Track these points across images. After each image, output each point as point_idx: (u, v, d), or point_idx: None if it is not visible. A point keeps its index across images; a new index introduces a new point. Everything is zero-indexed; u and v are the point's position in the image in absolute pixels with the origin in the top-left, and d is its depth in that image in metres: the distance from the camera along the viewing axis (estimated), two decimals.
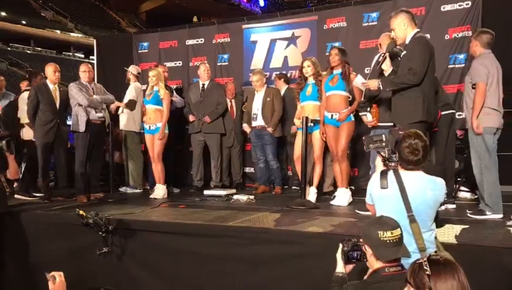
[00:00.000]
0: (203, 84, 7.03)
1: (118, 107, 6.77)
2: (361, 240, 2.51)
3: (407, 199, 2.80)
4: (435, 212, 2.92)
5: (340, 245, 2.59)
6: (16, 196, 6.49)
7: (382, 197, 2.92)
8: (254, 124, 6.72)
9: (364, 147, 3.27)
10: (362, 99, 5.13)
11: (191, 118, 7.01)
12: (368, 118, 4.94)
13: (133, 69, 7.25)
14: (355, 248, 2.53)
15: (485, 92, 4.31)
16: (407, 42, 4.25)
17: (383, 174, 2.93)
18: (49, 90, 6.17)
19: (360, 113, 5.17)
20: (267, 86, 6.87)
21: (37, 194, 6.42)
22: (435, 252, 2.85)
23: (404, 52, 4.24)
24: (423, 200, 2.83)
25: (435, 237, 2.95)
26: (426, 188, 2.85)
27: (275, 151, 6.76)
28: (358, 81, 4.58)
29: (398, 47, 4.37)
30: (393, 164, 2.98)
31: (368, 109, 4.94)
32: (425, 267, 1.77)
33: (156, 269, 4.56)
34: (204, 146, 7.07)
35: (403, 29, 4.23)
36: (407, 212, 2.80)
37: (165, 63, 8.38)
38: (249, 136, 6.92)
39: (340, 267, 2.62)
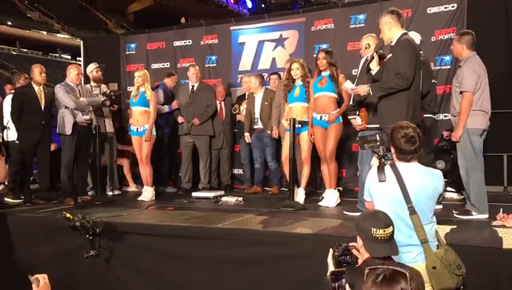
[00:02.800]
0: (193, 86, 7.00)
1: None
2: (350, 244, 2.56)
3: (406, 191, 2.85)
4: (435, 203, 2.97)
5: (331, 250, 2.60)
6: (5, 199, 6.42)
7: (381, 191, 2.95)
8: (255, 126, 6.76)
9: (359, 147, 3.30)
10: (351, 102, 5.15)
11: (180, 119, 6.98)
12: (357, 121, 4.95)
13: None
14: (345, 253, 2.55)
15: (471, 102, 4.34)
16: (393, 44, 4.27)
17: (380, 168, 2.97)
18: (34, 92, 6.08)
19: (349, 117, 5.18)
20: (265, 87, 6.89)
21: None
22: (437, 246, 2.91)
23: (390, 55, 4.26)
24: (422, 191, 2.87)
25: (436, 231, 2.99)
26: (424, 179, 2.89)
27: (274, 152, 6.78)
28: (347, 86, 4.59)
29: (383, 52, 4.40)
30: (389, 162, 3.01)
31: (357, 112, 4.96)
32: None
33: (144, 272, 4.54)
34: (193, 148, 7.04)
35: (387, 30, 4.24)
36: (406, 204, 2.84)
37: (152, 65, 8.37)
38: (250, 137, 6.90)
39: None
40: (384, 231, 2.44)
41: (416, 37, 5.11)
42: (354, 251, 2.58)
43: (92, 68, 6.98)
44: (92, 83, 6.92)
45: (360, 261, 2.55)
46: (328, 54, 5.38)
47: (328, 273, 2.55)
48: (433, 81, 5.12)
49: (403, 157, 2.92)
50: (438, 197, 2.97)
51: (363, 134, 4.77)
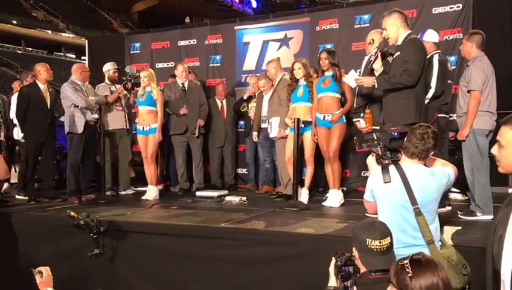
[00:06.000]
0: (183, 84, 6.92)
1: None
2: (353, 254, 2.47)
3: (412, 192, 2.83)
4: (438, 203, 2.96)
5: (333, 259, 2.52)
6: (16, 196, 6.46)
7: (385, 192, 2.93)
8: (263, 126, 6.68)
9: (357, 147, 3.30)
10: (354, 105, 5.13)
11: (182, 111, 6.75)
12: (361, 124, 4.90)
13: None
14: (348, 263, 2.46)
15: (479, 101, 4.33)
16: (398, 43, 4.26)
17: (385, 168, 2.95)
18: (40, 91, 6.10)
19: (353, 120, 5.17)
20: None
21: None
22: (440, 246, 2.90)
23: (398, 53, 4.25)
24: (427, 192, 2.86)
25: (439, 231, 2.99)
26: (428, 179, 2.89)
27: None
28: (351, 76, 4.53)
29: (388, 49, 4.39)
30: (387, 161, 3.00)
31: (361, 115, 4.92)
32: (407, 269, 1.78)
33: (147, 271, 4.55)
34: (187, 147, 6.95)
35: (395, 29, 4.23)
36: (412, 205, 2.83)
37: (157, 64, 8.37)
38: (258, 137, 6.83)
39: (333, 281, 2.54)
40: (380, 243, 2.33)
41: (433, 35, 5.08)
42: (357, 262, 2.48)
43: (109, 68, 6.95)
44: (107, 81, 6.91)
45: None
46: (330, 54, 5.37)
47: (329, 284, 2.52)
48: (449, 82, 5.04)
49: (407, 152, 2.93)
50: (441, 196, 2.96)
51: (360, 133, 4.75)
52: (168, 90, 7.00)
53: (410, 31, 4.28)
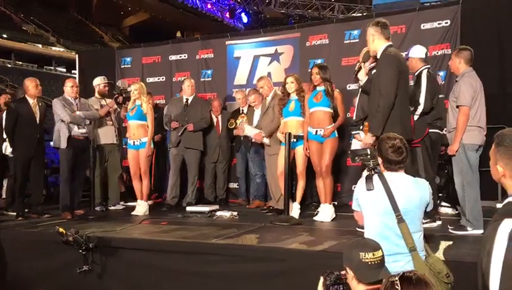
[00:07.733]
0: (187, 99, 6.96)
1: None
2: (342, 272, 2.46)
3: (394, 199, 2.88)
4: (423, 212, 2.99)
5: (322, 278, 2.51)
6: (4, 212, 6.37)
7: (369, 200, 2.99)
8: (254, 140, 6.63)
9: (351, 160, 3.35)
10: (354, 119, 5.15)
11: (174, 124, 6.78)
12: (361, 136, 4.91)
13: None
14: (338, 282, 2.45)
15: (468, 116, 4.36)
16: (378, 56, 4.25)
17: (368, 178, 3.01)
18: (29, 106, 6.06)
19: (352, 132, 5.17)
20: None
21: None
22: (425, 257, 2.91)
23: (374, 70, 4.28)
24: (409, 199, 2.90)
25: (424, 241, 3.00)
26: (411, 188, 2.94)
27: None
28: (357, 141, 4.69)
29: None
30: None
31: (361, 127, 4.93)
32: (396, 287, 1.78)
33: (137, 287, 4.49)
34: (182, 162, 6.91)
35: (371, 42, 4.23)
36: (394, 212, 2.87)
37: (148, 78, 8.36)
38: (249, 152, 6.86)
39: None
40: (373, 255, 2.37)
41: (419, 50, 5.09)
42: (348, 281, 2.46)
43: (98, 82, 6.90)
44: (97, 96, 6.86)
45: None
46: (322, 69, 5.41)
47: None
48: (440, 96, 5.04)
49: (390, 167, 2.97)
50: (425, 206, 2.99)
51: (354, 147, 4.79)
52: (172, 105, 7.02)
53: (388, 43, 4.16)
